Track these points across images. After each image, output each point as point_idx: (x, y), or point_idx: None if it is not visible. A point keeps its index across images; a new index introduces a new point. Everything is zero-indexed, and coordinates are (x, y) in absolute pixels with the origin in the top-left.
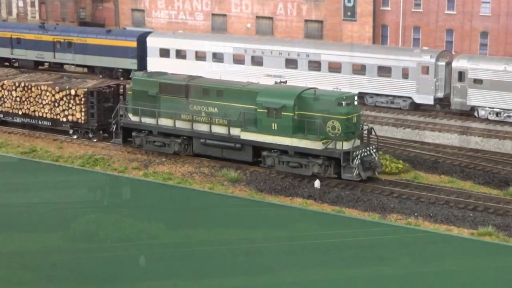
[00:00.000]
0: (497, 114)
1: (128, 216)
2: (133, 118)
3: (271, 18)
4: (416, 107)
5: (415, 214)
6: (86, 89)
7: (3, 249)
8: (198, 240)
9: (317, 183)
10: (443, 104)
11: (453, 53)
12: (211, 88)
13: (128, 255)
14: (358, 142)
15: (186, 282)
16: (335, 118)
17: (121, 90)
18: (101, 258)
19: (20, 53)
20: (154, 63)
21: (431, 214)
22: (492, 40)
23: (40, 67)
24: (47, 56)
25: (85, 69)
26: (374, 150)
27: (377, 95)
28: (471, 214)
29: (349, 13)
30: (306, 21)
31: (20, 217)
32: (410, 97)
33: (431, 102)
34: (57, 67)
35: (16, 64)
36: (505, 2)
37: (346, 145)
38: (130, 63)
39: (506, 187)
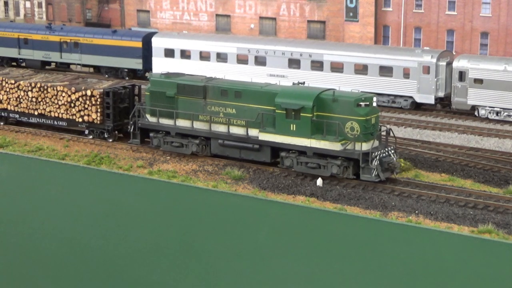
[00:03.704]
0: (497, 113)
1: (131, 214)
2: (151, 119)
3: (274, 19)
4: (417, 107)
5: (416, 212)
6: (102, 90)
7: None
8: (200, 237)
9: (319, 182)
10: (443, 103)
11: (454, 53)
12: (229, 89)
13: (129, 253)
14: (376, 143)
15: (187, 280)
16: (353, 119)
17: (136, 91)
18: (101, 255)
19: (27, 53)
20: (159, 63)
21: (431, 212)
22: (492, 40)
23: (47, 67)
24: (54, 56)
25: (91, 69)
26: (393, 151)
27: (379, 94)
28: (471, 212)
29: (351, 14)
30: (308, 21)
31: (23, 217)
32: (411, 97)
33: (432, 101)
34: (63, 67)
35: (23, 64)
36: (505, 2)
37: (365, 146)
38: (136, 63)
39: (505, 185)
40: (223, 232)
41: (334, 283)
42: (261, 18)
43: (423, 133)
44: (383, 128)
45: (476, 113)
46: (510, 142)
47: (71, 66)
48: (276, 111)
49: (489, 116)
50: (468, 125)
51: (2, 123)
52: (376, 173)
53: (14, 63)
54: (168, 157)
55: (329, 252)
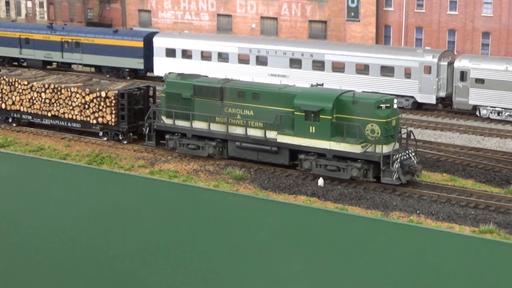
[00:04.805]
0: (498, 113)
1: (132, 214)
2: (167, 121)
3: (275, 19)
4: (418, 107)
5: (417, 212)
6: (116, 91)
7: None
8: (201, 237)
9: (320, 181)
10: (445, 103)
11: (455, 53)
12: (246, 91)
13: (130, 253)
14: (397, 145)
15: (188, 280)
16: (374, 121)
17: (151, 92)
18: (102, 255)
19: (28, 53)
20: (161, 63)
21: (433, 212)
22: (493, 40)
23: (48, 67)
24: (55, 56)
25: (93, 69)
26: (413, 154)
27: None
28: (472, 212)
29: (352, 14)
30: (310, 21)
31: (24, 216)
32: (412, 97)
33: (433, 101)
34: (65, 67)
35: (25, 64)
36: (507, 2)
37: (386, 149)
38: (137, 63)
39: (507, 185)
40: (224, 232)
41: (335, 283)
42: (262, 18)
43: (425, 133)
44: (403, 131)
45: (477, 113)
46: (511, 142)
47: (73, 66)
48: (295, 113)
49: (491, 116)
50: (469, 125)
51: (14, 125)
52: (397, 176)
53: (15, 63)
54: (170, 157)
55: (330, 252)
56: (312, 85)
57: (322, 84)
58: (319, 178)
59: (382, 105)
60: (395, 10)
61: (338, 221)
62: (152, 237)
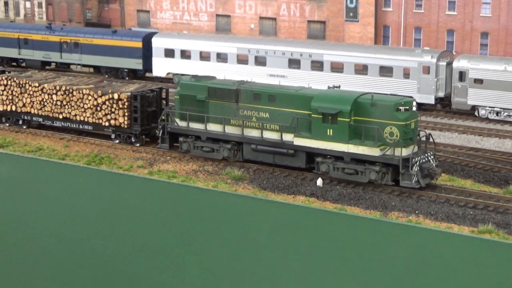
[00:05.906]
0: (497, 113)
1: (131, 214)
2: (181, 123)
3: (274, 19)
4: (417, 107)
5: (416, 212)
6: (129, 93)
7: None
8: (200, 237)
9: (319, 182)
10: (444, 103)
11: (454, 53)
12: (262, 93)
13: (129, 253)
14: (416, 148)
15: (187, 280)
16: (393, 123)
17: (164, 94)
18: (101, 255)
19: (27, 53)
20: (159, 63)
21: (431, 212)
22: (492, 41)
23: (47, 67)
24: (54, 56)
25: (91, 69)
26: (432, 157)
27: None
28: (471, 212)
29: (351, 14)
30: (309, 21)
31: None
32: (411, 97)
33: (432, 101)
34: (63, 67)
35: (23, 64)
36: (505, 2)
37: (405, 152)
38: (136, 63)
39: (506, 185)
40: (223, 232)
41: (334, 283)
42: (261, 18)
43: None
44: (422, 133)
45: (476, 113)
46: (510, 142)
47: (71, 66)
48: (312, 115)
49: (489, 116)
50: (468, 125)
51: (25, 127)
52: (416, 179)
53: (14, 63)
54: (168, 157)
55: (329, 252)
56: (329, 87)
57: (339, 86)
58: (318, 178)
59: (401, 108)
60: (394, 10)
61: (337, 221)
62: (151, 237)
